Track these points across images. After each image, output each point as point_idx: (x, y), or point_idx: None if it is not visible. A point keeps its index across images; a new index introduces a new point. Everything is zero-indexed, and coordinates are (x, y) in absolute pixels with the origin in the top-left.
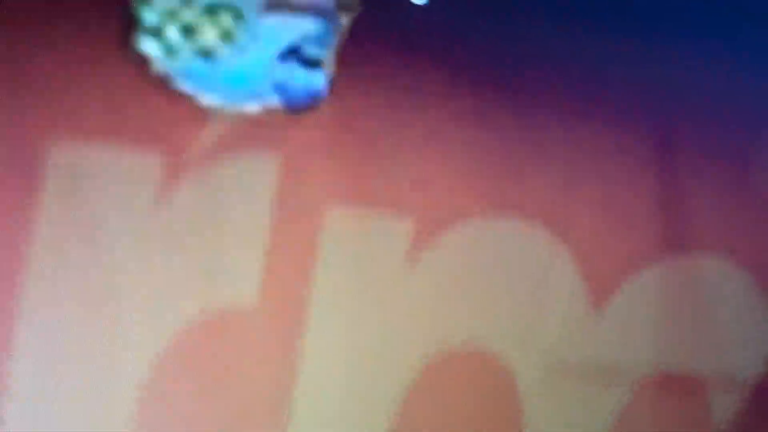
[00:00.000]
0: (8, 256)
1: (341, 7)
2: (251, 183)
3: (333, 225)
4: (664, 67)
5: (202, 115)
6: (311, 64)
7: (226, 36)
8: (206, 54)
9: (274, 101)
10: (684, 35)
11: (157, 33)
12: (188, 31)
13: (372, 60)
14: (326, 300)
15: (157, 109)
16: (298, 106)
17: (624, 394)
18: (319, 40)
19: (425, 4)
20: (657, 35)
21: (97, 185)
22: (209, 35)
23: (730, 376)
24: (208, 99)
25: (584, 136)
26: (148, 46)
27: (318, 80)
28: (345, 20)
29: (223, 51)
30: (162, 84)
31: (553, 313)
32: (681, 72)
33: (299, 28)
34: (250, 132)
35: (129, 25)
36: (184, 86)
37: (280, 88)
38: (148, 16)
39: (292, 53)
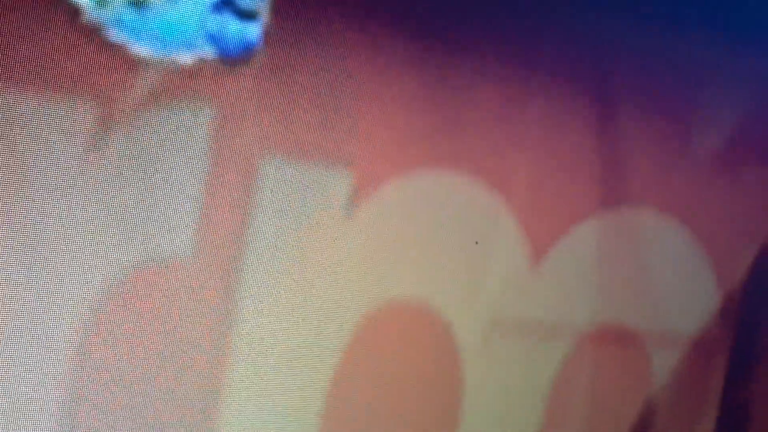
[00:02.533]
0: None
1: None
2: (185, 134)
3: (268, 176)
4: (604, 23)
5: (134, 65)
6: (245, 14)
7: None
8: (138, 3)
9: (208, 52)
10: None
11: None
12: None
13: (307, 10)
14: (262, 251)
15: (88, 59)
16: (232, 57)
17: (564, 349)
18: None
19: None
20: None
21: (27, 134)
22: None
23: (668, 331)
24: (140, 49)
25: (524, 91)
26: None
27: (252, 31)
28: None
29: (156, 1)
30: (93, 34)
31: (493, 267)
32: (620, 27)
33: None
34: (184, 83)
35: None
36: (116, 36)
37: (214, 39)
38: None
39: (226, 3)
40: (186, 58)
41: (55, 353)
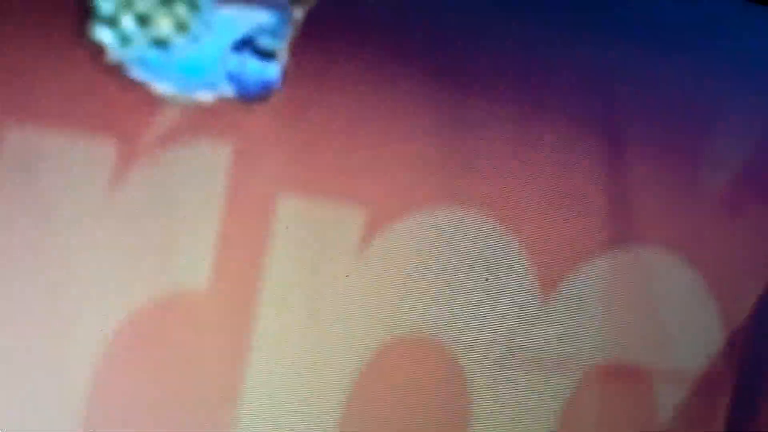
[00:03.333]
0: None
1: None
2: (204, 170)
3: (285, 213)
4: (613, 60)
5: (155, 103)
6: (265, 54)
7: (181, 26)
8: (160, 43)
9: (228, 91)
10: (635, 27)
11: (111, 22)
12: (143, 20)
13: (325, 51)
14: (277, 286)
15: (111, 97)
16: (251, 96)
17: (570, 383)
18: (274, 32)
19: None
20: (607, 27)
21: (50, 172)
22: (164, 25)
23: (675, 369)
24: (161, 87)
25: (534, 129)
26: (103, 35)
27: (271, 71)
28: (299, 12)
29: (178, 40)
30: (116, 72)
31: (502, 302)
32: (632, 64)
33: (254, 19)
34: (203, 120)
35: (84, 13)
36: (138, 75)
37: (234, 78)
38: (104, 5)
39: (246, 44)
40: (206, 97)
41: (71, 383)
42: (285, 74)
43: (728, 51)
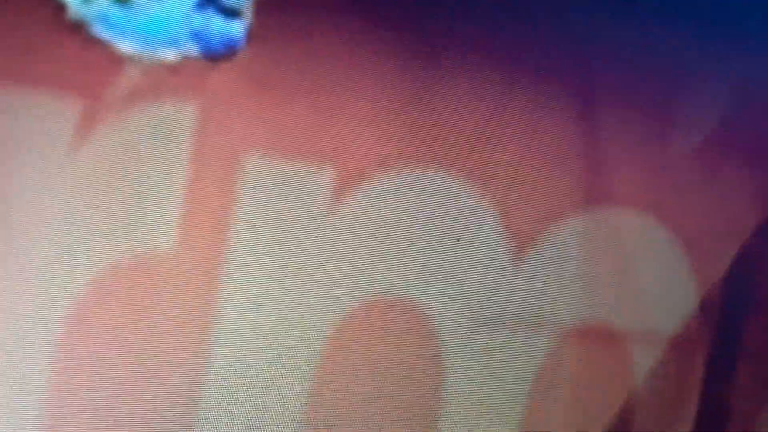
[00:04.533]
0: None
1: None
2: (168, 130)
3: (252, 172)
4: (587, 20)
5: (118, 61)
6: (229, 12)
7: None
8: (123, 1)
9: (192, 49)
10: None
11: None
12: None
13: (290, 9)
14: (245, 246)
15: (73, 55)
16: (216, 55)
17: (545, 344)
18: None
19: None
20: None
21: (12, 130)
22: None
23: (649, 329)
24: (124, 46)
25: (506, 87)
26: None
27: (236, 29)
28: None
29: None
30: (78, 30)
31: (475, 263)
32: (604, 25)
33: None
34: (167, 79)
35: None
36: (100, 33)
37: (198, 37)
38: None
39: (210, 2)
40: (170, 55)
41: (37, 347)
42: (250, 32)
43: (700, 14)
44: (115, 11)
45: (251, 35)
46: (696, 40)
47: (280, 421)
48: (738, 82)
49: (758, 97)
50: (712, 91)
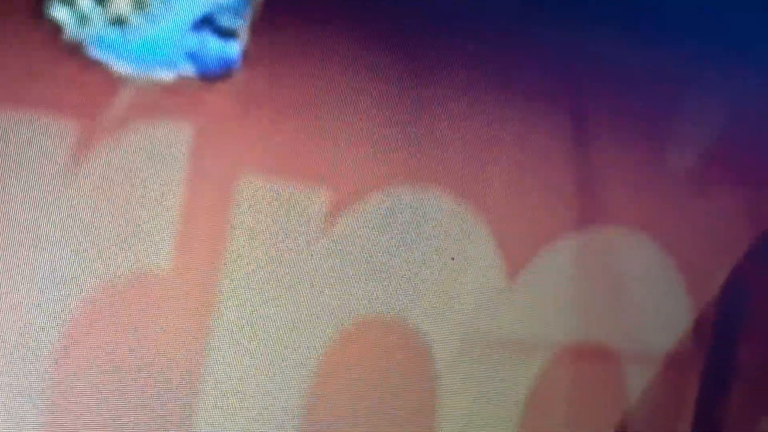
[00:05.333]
0: None
1: None
2: (164, 150)
3: (246, 192)
4: (579, 41)
5: (114, 83)
6: (225, 33)
7: (139, 4)
8: (119, 22)
9: (188, 70)
10: (601, 8)
11: (69, 0)
12: None
13: (287, 30)
14: (240, 267)
15: (70, 77)
16: (212, 75)
17: (538, 364)
18: (234, 10)
19: None
20: (573, 9)
21: (8, 151)
22: (122, 3)
23: (643, 349)
24: (120, 67)
25: (500, 108)
26: (60, 14)
27: (232, 50)
28: None
29: (136, 19)
30: (74, 52)
31: (469, 282)
32: (596, 45)
33: None
34: (163, 100)
35: None
36: (97, 54)
37: (194, 57)
38: None
39: (206, 22)
40: (166, 76)
41: (33, 365)
42: (245, 53)
43: (695, 32)
44: (111, 33)
45: (247, 56)
46: (690, 58)
47: None
48: (732, 101)
49: (752, 115)
50: (705, 110)
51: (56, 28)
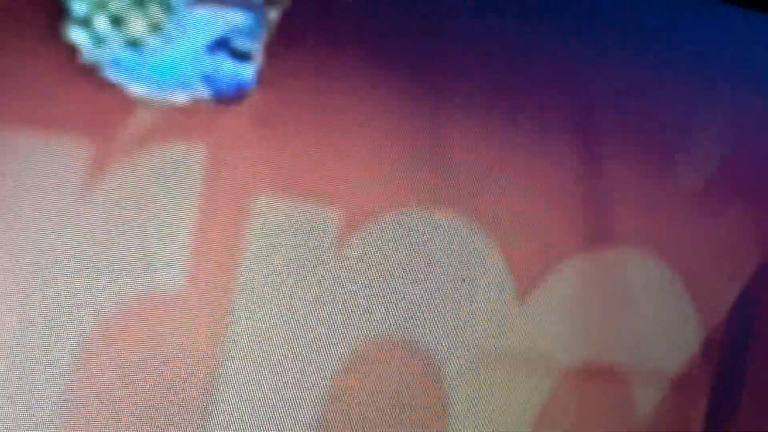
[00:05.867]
0: None
1: (271, 0)
2: (178, 171)
3: (260, 214)
4: (589, 59)
5: (130, 104)
6: (240, 56)
7: (155, 27)
8: (135, 44)
9: (202, 92)
10: (612, 26)
11: (85, 23)
12: (117, 21)
13: (301, 53)
14: (253, 288)
15: (85, 98)
16: (226, 97)
17: (548, 384)
18: (249, 33)
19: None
20: (578, 21)
21: (24, 172)
22: (138, 26)
23: (652, 369)
24: (136, 89)
25: (510, 129)
26: (77, 36)
27: (246, 72)
28: (275, 13)
29: (152, 41)
30: (90, 73)
31: (479, 303)
32: (605, 64)
33: (229, 20)
34: (178, 121)
35: (57, 14)
36: (113, 76)
37: (209, 79)
38: (77, 6)
39: (221, 45)
40: (181, 98)
41: (47, 385)
42: (260, 75)
43: (706, 51)
44: (127, 55)
45: (261, 78)
46: (698, 78)
47: None
48: (741, 118)
49: (760, 134)
50: (714, 128)
51: (73, 50)
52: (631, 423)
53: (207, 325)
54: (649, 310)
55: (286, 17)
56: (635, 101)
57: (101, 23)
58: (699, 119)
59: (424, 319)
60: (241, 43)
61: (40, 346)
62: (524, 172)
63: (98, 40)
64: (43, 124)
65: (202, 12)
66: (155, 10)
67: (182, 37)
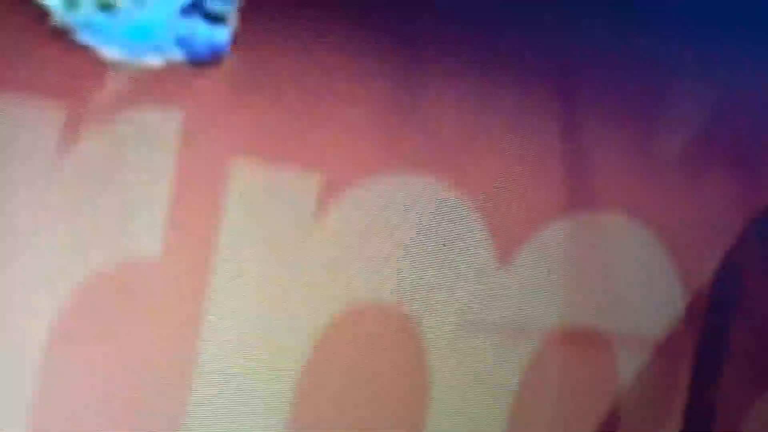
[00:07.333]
0: None
1: None
2: (154, 136)
3: (238, 178)
4: (568, 21)
5: (102, 67)
6: (214, 18)
7: None
8: (107, 7)
9: (177, 55)
10: None
11: None
12: None
13: (276, 15)
14: (231, 252)
15: (58, 62)
16: (201, 60)
17: (530, 349)
18: None
19: None
20: None
21: None
22: None
23: (635, 334)
24: (109, 52)
25: (490, 93)
26: None
27: (221, 34)
28: None
29: (125, 4)
30: (62, 36)
31: (460, 268)
32: (586, 29)
33: None
34: (152, 85)
35: None
36: (85, 39)
37: (183, 42)
38: None
39: (195, 7)
40: (155, 61)
41: (22, 354)
42: (235, 38)
43: (685, 16)
44: (100, 17)
45: (236, 41)
46: (680, 42)
47: (266, 426)
48: (724, 85)
49: (743, 99)
50: (697, 95)
51: (44, 12)
52: (614, 387)
53: (185, 290)
54: (632, 274)
55: None
56: (618, 65)
57: None
58: (685, 85)
59: (405, 283)
60: (216, 6)
61: (14, 314)
62: (506, 136)
63: (70, 3)
64: (13, 86)
65: None
66: None
67: None
